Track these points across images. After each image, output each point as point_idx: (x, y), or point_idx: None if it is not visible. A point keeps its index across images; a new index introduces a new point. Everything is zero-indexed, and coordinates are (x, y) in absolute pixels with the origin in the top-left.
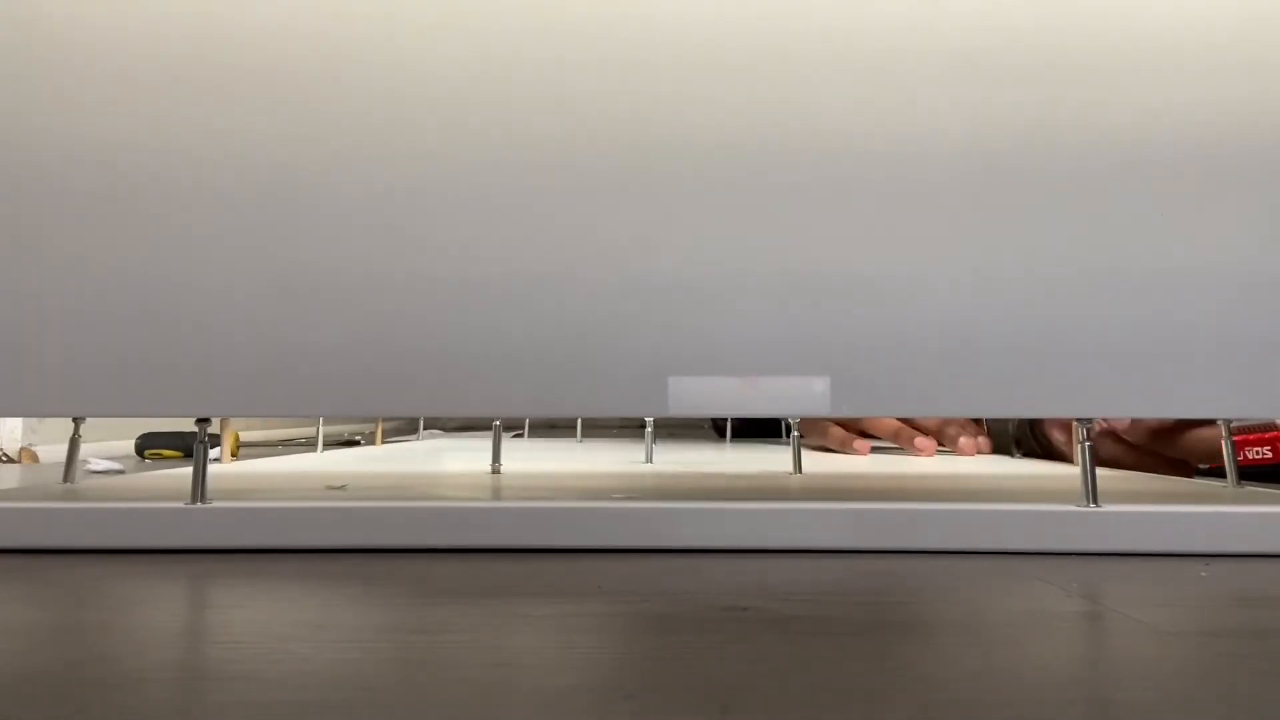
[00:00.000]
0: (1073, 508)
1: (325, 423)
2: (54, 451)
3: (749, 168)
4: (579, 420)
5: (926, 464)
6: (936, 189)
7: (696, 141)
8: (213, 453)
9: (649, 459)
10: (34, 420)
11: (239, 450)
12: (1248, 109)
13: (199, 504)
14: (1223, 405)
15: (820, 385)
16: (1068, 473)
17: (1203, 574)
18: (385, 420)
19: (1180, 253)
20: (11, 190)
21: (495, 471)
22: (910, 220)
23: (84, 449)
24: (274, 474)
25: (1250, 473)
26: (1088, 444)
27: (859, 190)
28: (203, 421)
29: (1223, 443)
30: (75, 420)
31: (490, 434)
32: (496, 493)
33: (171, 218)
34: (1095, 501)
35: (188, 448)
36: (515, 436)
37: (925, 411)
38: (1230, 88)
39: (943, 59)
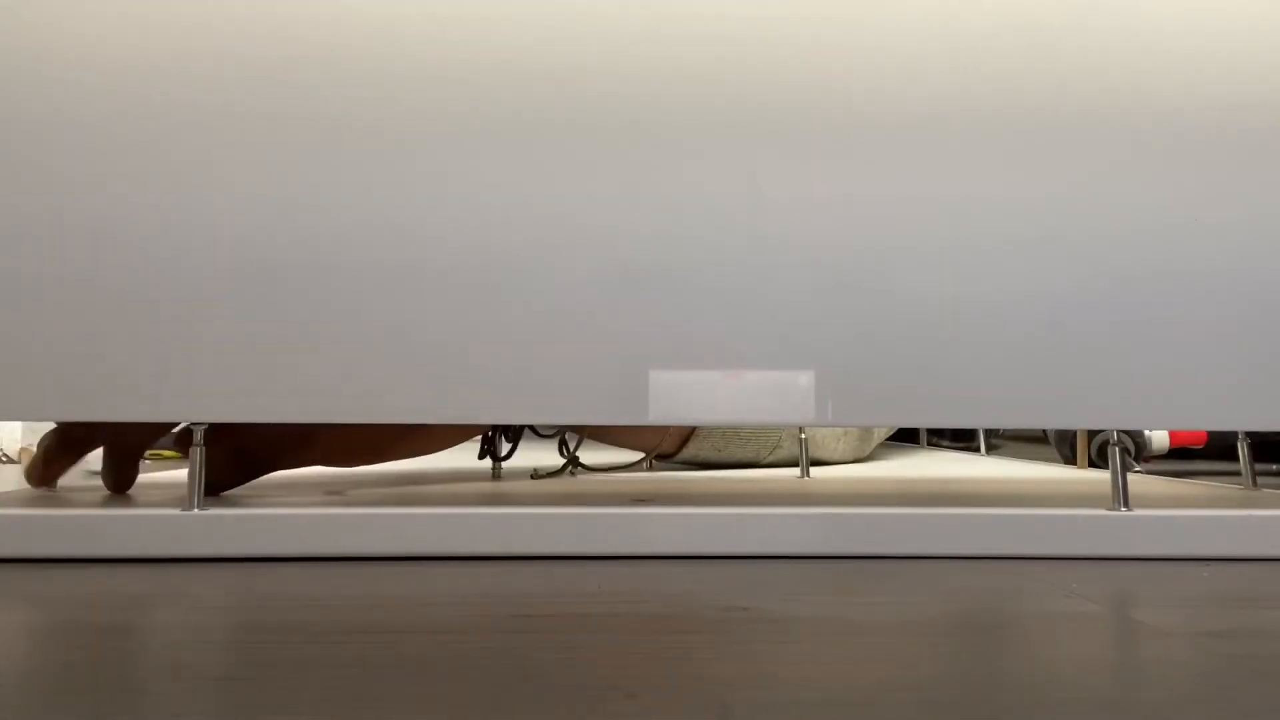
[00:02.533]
0: (1102, 512)
1: None
2: None
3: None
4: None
5: (944, 466)
6: (944, 178)
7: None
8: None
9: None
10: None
11: None
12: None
13: (196, 510)
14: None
15: (805, 379)
16: (1083, 477)
17: (1204, 574)
18: None
19: (1209, 256)
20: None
21: (496, 476)
22: (917, 212)
23: None
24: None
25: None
26: (1118, 448)
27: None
28: (197, 424)
29: (1240, 447)
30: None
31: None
32: (499, 498)
33: (161, 221)
34: (1126, 505)
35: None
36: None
37: (923, 421)
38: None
39: (945, 41)
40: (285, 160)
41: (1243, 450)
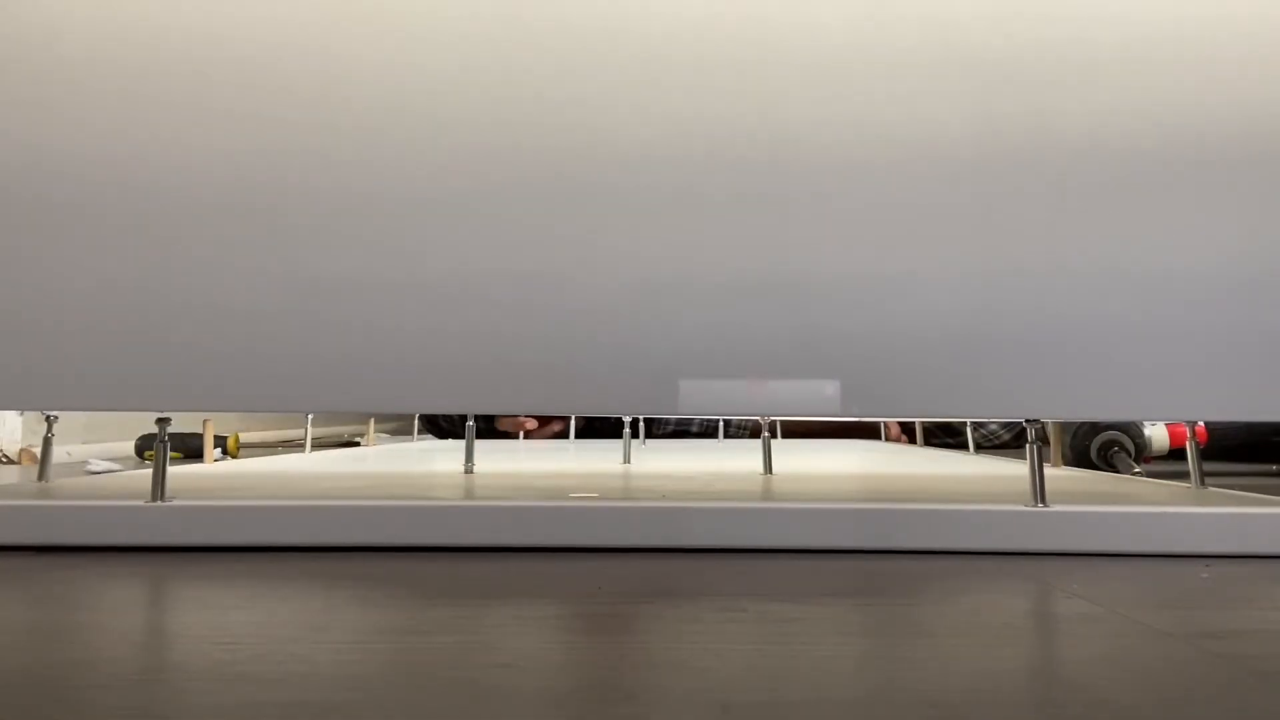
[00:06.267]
0: (1021, 508)
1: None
2: (54, 453)
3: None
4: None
5: (905, 461)
6: (933, 193)
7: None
8: (215, 453)
9: (626, 459)
10: (34, 421)
11: (239, 450)
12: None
13: (158, 502)
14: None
15: (830, 388)
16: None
17: (1204, 575)
18: (384, 422)
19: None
20: None
21: (468, 472)
22: (906, 224)
23: (85, 450)
24: (256, 474)
25: None
26: (1037, 445)
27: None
28: (162, 420)
29: (1188, 444)
30: (48, 420)
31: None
32: (469, 492)
33: (149, 224)
34: (1043, 502)
35: (188, 449)
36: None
37: (928, 414)
38: (1226, 88)
39: (940, 63)
40: (281, 163)
41: (1191, 450)
